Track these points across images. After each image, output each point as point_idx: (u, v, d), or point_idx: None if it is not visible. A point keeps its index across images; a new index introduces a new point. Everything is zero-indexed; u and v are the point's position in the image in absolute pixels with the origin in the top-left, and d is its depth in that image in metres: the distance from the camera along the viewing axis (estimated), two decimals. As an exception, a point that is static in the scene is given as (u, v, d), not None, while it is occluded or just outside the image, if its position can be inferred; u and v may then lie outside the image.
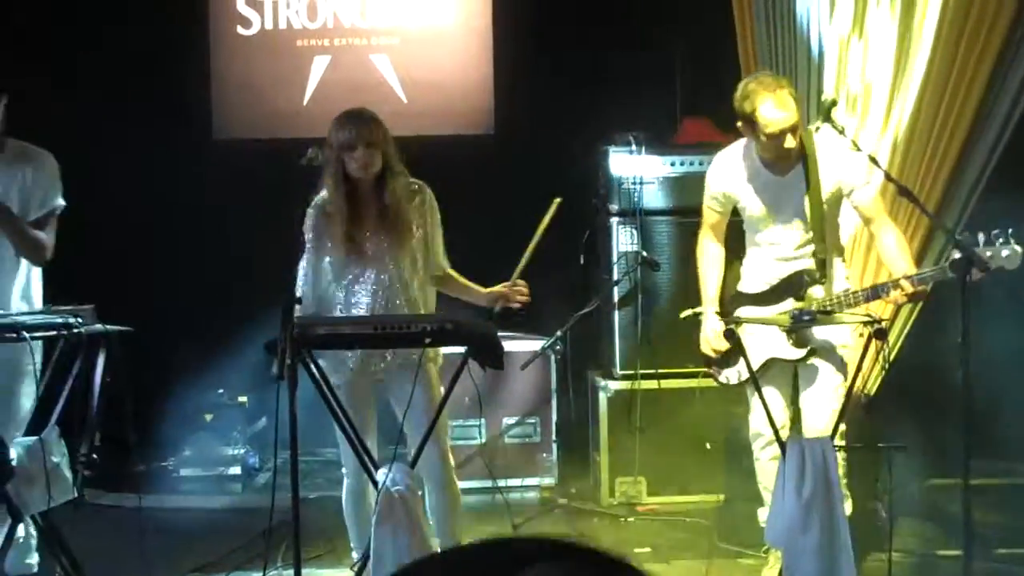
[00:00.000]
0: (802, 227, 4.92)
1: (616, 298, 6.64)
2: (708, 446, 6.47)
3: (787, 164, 4.90)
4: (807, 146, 4.85)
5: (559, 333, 6.73)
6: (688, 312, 5.21)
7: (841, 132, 4.77)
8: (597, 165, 6.86)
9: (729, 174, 5.07)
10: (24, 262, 4.99)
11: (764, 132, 4.77)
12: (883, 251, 4.97)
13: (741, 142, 5.09)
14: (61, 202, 5.08)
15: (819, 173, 4.85)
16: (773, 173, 4.95)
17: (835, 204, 4.96)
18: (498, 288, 4.93)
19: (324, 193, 4.81)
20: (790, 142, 4.79)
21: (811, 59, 6.51)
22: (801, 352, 4.89)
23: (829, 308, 4.77)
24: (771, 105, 4.77)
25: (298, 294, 4.45)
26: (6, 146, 4.91)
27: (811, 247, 4.92)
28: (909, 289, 4.65)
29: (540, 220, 5.03)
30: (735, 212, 5.18)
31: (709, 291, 5.18)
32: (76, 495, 4.75)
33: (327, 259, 4.81)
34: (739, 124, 4.91)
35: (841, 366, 4.92)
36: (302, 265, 4.76)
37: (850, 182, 4.88)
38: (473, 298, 5.01)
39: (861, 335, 4.93)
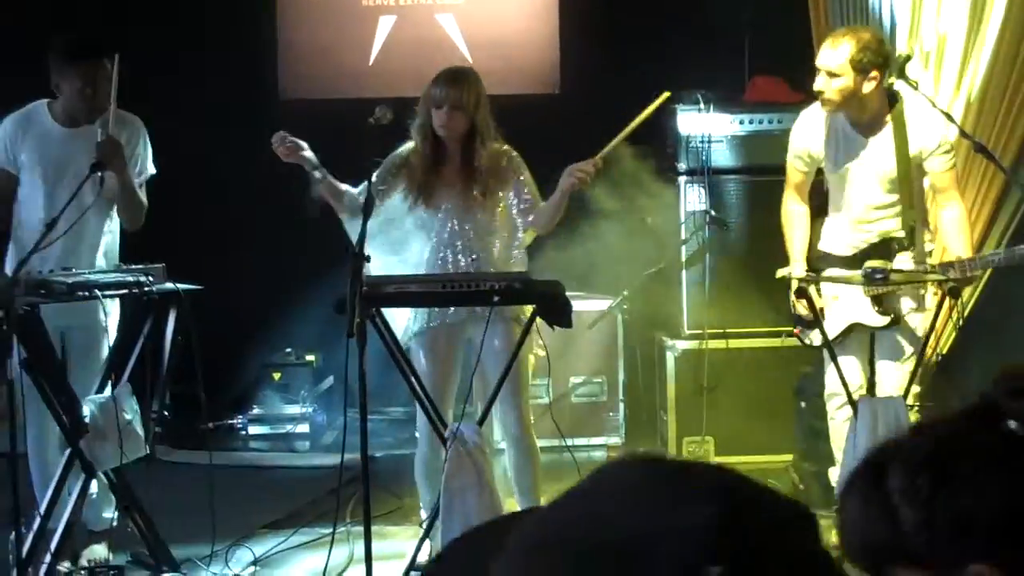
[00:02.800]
0: (885, 191, 4.83)
1: (684, 257, 6.59)
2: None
3: (874, 124, 4.82)
4: (897, 109, 4.76)
5: (626, 292, 6.70)
6: (783, 271, 5.12)
7: (915, 87, 4.70)
8: (664, 123, 6.80)
9: (812, 132, 5.00)
10: (107, 223, 5.03)
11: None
12: (942, 227, 4.91)
13: None
14: (153, 169, 5.12)
15: (907, 137, 4.76)
16: (859, 133, 4.87)
17: (918, 170, 4.87)
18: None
19: (410, 144, 4.82)
20: (820, 84, 4.74)
21: (882, 15, 6.41)
22: (885, 320, 4.82)
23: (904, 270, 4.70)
24: (822, 50, 4.78)
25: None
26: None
27: (895, 212, 4.82)
28: (956, 275, 4.60)
29: (642, 110, 4.91)
30: (820, 172, 5.13)
31: (795, 250, 5.10)
32: (147, 452, 4.80)
33: (412, 214, 4.82)
34: None
35: (918, 331, 4.85)
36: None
37: (926, 147, 4.79)
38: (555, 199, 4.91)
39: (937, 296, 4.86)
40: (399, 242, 4.90)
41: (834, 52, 4.72)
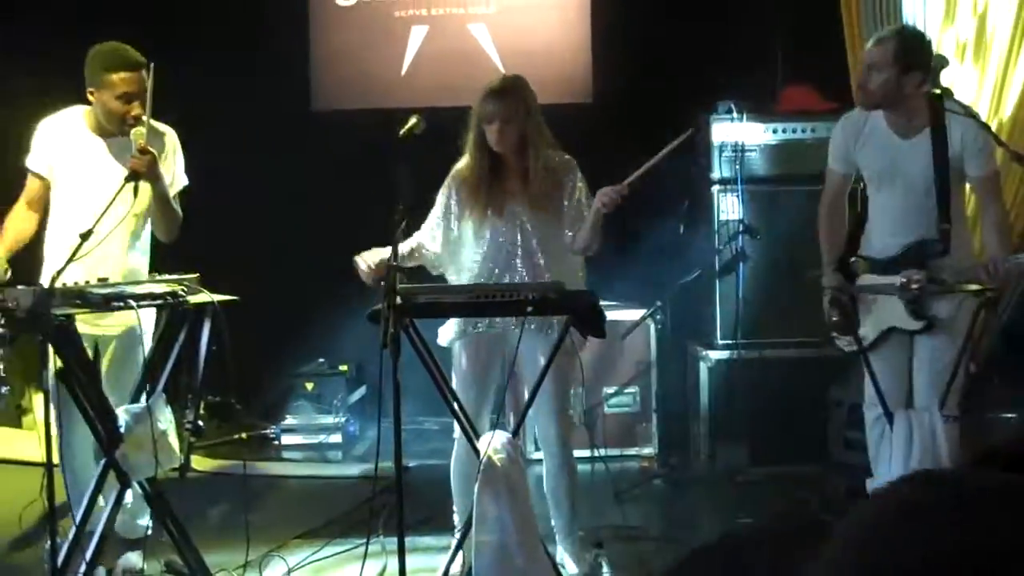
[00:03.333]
0: (922, 194, 4.79)
1: (717, 267, 6.57)
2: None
3: (913, 127, 4.80)
4: (936, 111, 4.73)
5: (659, 302, 6.69)
6: (814, 274, 5.10)
7: (948, 94, 4.67)
8: (698, 133, 6.79)
9: (851, 134, 4.98)
10: (141, 233, 5.06)
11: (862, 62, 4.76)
12: (982, 229, 4.89)
13: None
14: (186, 180, 5.15)
15: (947, 140, 4.73)
16: (897, 134, 4.84)
17: (958, 173, 4.84)
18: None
19: (464, 160, 4.84)
20: (872, 82, 4.73)
21: (916, 26, 6.38)
22: (919, 324, 4.78)
23: (942, 279, 4.66)
24: (869, 45, 4.79)
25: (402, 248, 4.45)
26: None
27: (932, 215, 4.79)
28: (985, 278, 4.56)
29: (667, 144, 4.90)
30: (859, 179, 5.11)
31: (830, 255, 5.08)
32: (182, 461, 4.81)
33: (462, 224, 4.83)
34: None
35: (957, 338, 4.75)
36: (422, 229, 4.83)
37: (966, 151, 4.76)
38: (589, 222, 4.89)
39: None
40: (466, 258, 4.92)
41: (879, 46, 4.72)
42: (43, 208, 5.09)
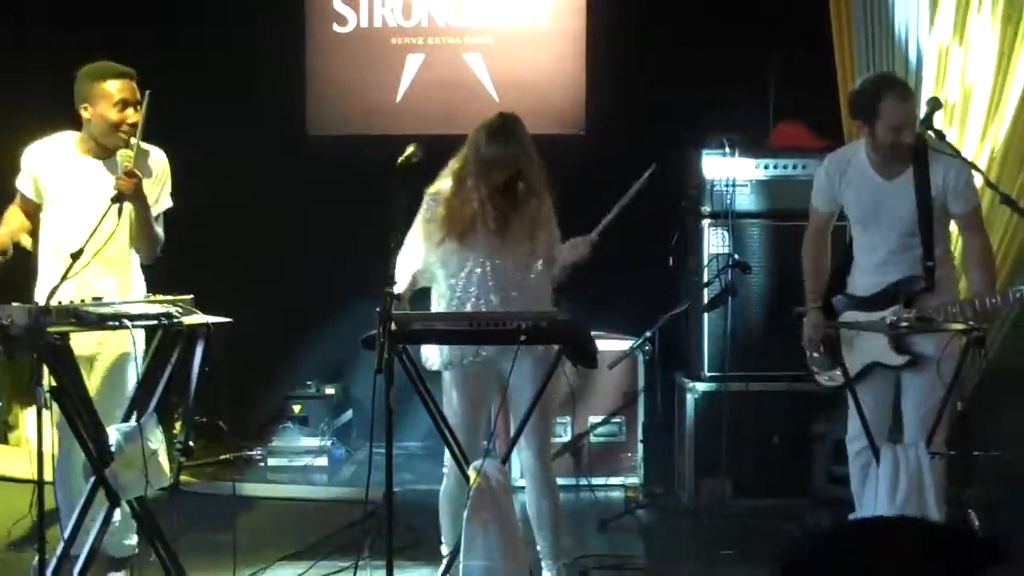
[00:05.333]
0: (905, 232, 4.87)
1: (705, 300, 6.62)
2: (775, 440, 6.44)
3: (896, 167, 4.87)
4: (919, 152, 4.80)
5: (648, 334, 6.72)
6: (799, 310, 5.16)
7: (940, 136, 4.74)
8: (688, 167, 6.85)
9: (834, 173, 5.06)
10: (131, 252, 5.09)
11: (888, 123, 4.77)
12: (965, 263, 4.95)
13: (853, 144, 5.08)
14: (170, 203, 5.18)
15: (929, 179, 4.80)
16: (880, 175, 4.91)
17: (942, 212, 4.90)
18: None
19: (441, 184, 4.86)
20: (908, 137, 4.78)
21: (909, 66, 6.48)
22: (902, 359, 4.84)
23: (931, 317, 4.71)
24: (898, 95, 4.80)
25: (396, 290, 4.47)
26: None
27: (916, 254, 4.86)
28: (971, 314, 4.61)
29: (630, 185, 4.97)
30: (842, 216, 5.17)
31: (813, 290, 5.15)
32: (171, 481, 4.83)
33: (438, 251, 4.85)
34: (855, 119, 4.92)
35: (944, 376, 4.74)
36: (401, 255, 4.81)
37: (948, 188, 4.83)
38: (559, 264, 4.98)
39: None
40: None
41: (909, 103, 4.82)
42: (34, 220, 5.12)
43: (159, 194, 5.11)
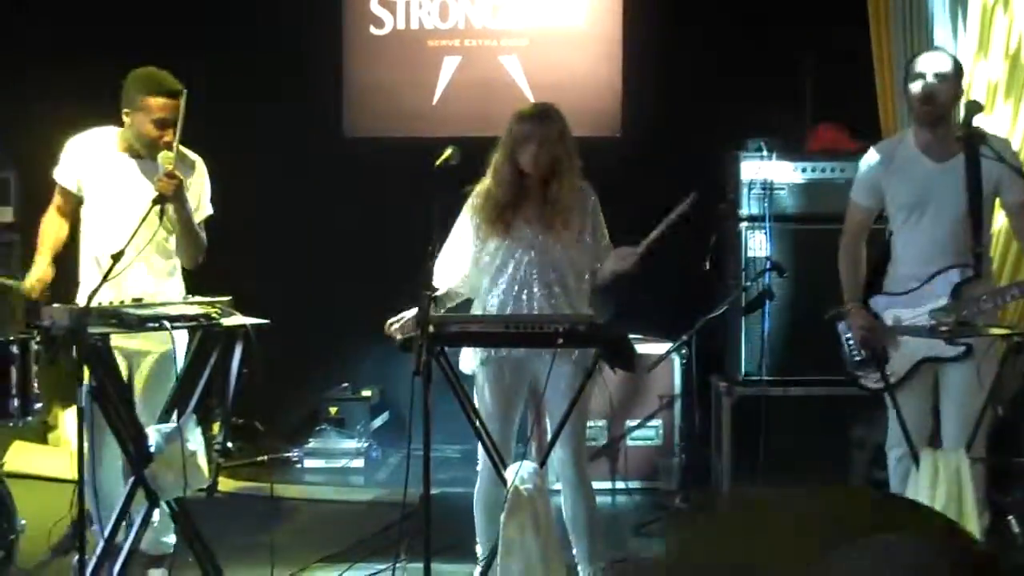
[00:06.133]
0: (954, 218, 4.78)
1: (743, 303, 6.59)
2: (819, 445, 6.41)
3: (946, 149, 4.81)
4: (970, 136, 4.73)
5: (685, 337, 6.71)
6: (833, 312, 5.11)
7: (982, 139, 4.69)
8: (726, 170, 6.83)
9: (882, 161, 4.98)
10: (172, 254, 5.11)
11: (916, 83, 4.76)
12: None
13: (900, 133, 5.04)
14: (211, 210, 5.21)
15: (981, 165, 4.74)
16: (930, 159, 4.86)
17: (989, 202, 4.84)
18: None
19: (484, 183, 4.86)
20: (931, 87, 4.74)
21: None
22: (956, 351, 4.72)
23: (989, 305, 4.66)
24: (927, 57, 4.81)
25: (437, 291, 4.48)
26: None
27: (963, 241, 4.77)
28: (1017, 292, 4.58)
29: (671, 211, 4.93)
30: (879, 219, 5.13)
31: (852, 291, 5.08)
32: (210, 482, 4.85)
33: (480, 247, 4.84)
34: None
35: (985, 379, 4.70)
36: (443, 255, 4.81)
37: (1001, 178, 4.75)
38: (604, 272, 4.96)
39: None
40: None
41: (941, 57, 4.77)
42: (72, 218, 5.15)
43: (199, 200, 5.13)
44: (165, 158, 4.80)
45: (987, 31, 6.22)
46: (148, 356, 5.02)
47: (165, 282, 5.10)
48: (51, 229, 5.13)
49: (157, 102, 4.89)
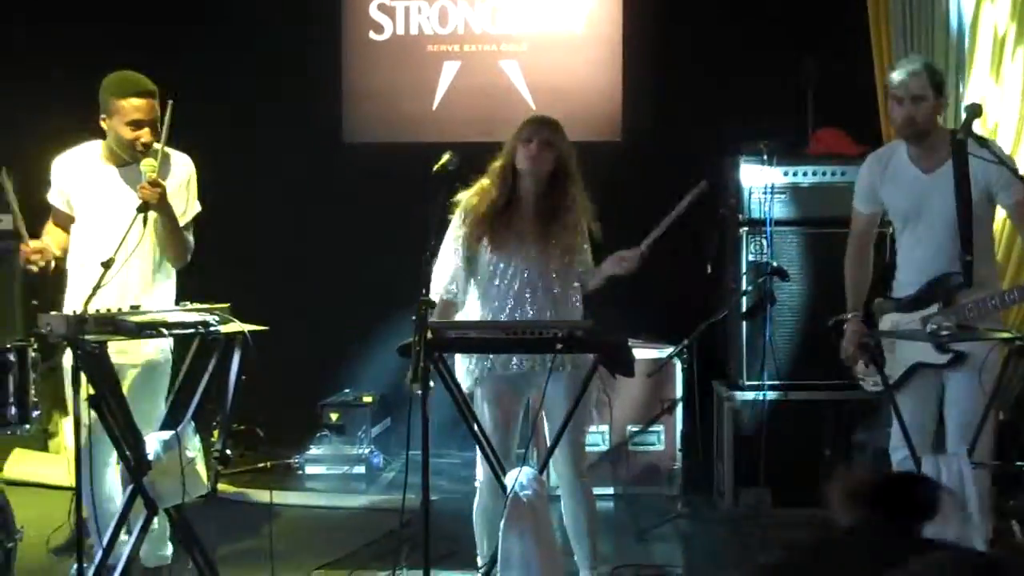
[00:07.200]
0: (947, 227, 4.78)
1: (744, 308, 6.57)
2: (827, 452, 6.38)
3: (934, 159, 4.81)
4: (958, 144, 4.73)
5: (686, 342, 6.69)
6: (834, 320, 5.10)
7: (981, 143, 4.67)
8: (726, 174, 6.81)
9: (876, 171, 5.01)
10: (162, 261, 5.10)
11: (895, 108, 4.79)
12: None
13: (895, 141, 5.04)
14: (199, 208, 5.19)
15: (969, 172, 4.73)
16: (920, 169, 4.86)
17: (984, 207, 4.84)
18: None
19: (477, 188, 4.85)
20: (908, 110, 4.74)
21: (948, 57, 6.44)
22: (945, 357, 4.75)
23: (974, 314, 4.65)
24: (902, 77, 4.79)
25: (434, 296, 4.46)
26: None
27: (956, 249, 4.78)
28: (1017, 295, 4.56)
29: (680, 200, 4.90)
30: (883, 223, 5.12)
31: (853, 297, 5.08)
32: (209, 490, 4.83)
33: (476, 254, 4.83)
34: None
35: (987, 378, 4.68)
36: (438, 264, 4.80)
37: (993, 180, 4.75)
38: (601, 275, 4.96)
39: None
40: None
41: (917, 77, 4.75)
42: (70, 233, 5.15)
43: (187, 200, 5.11)
44: (147, 165, 4.79)
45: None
46: (132, 369, 4.99)
47: (155, 288, 5.08)
48: (54, 237, 5.13)
49: (130, 103, 4.88)
